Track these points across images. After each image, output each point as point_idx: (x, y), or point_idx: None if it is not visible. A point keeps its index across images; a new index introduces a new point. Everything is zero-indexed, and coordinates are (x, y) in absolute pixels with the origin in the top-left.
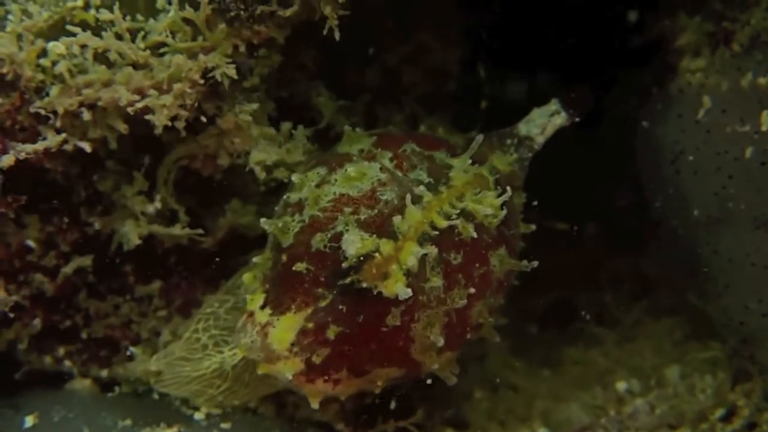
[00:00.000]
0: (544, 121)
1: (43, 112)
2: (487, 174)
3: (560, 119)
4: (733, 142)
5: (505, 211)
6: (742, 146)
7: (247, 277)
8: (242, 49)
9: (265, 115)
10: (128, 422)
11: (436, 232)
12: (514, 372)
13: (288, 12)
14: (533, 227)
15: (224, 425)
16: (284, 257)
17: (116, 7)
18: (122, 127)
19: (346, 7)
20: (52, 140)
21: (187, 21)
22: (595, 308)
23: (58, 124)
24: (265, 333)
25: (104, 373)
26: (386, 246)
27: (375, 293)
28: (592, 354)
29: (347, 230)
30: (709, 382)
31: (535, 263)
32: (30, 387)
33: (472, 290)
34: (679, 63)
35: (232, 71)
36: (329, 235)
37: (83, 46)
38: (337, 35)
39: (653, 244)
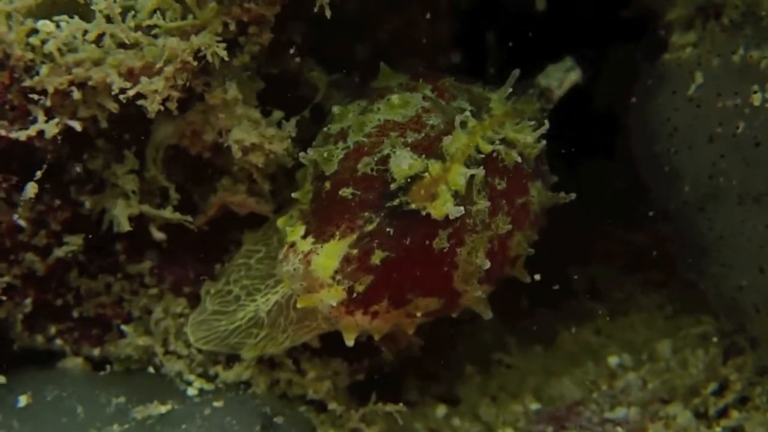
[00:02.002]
0: (560, 75)
1: (33, 92)
2: (522, 109)
3: (575, 75)
4: (725, 117)
5: (543, 143)
6: (734, 121)
7: (281, 221)
8: (232, 27)
9: (254, 94)
10: (122, 399)
11: (482, 156)
12: (506, 348)
13: None
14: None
15: (216, 403)
16: (328, 185)
17: None
18: (112, 106)
19: None
20: (46, 126)
21: None
22: (587, 283)
23: (48, 103)
24: (308, 261)
25: (96, 351)
26: (435, 166)
27: (423, 215)
28: (584, 329)
29: (395, 152)
30: (701, 356)
31: (573, 195)
32: (22, 366)
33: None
34: (669, 38)
35: (222, 51)
36: (376, 159)
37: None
38: (327, 13)
39: (645, 220)
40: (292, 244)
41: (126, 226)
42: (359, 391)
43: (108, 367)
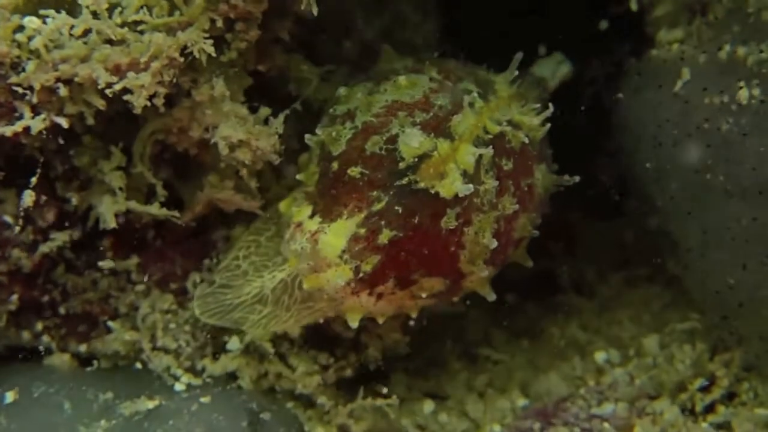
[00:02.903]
0: (553, 67)
1: (20, 88)
2: (525, 92)
3: (566, 68)
4: (711, 113)
5: (548, 126)
6: (720, 117)
7: (283, 204)
8: (219, 23)
9: (241, 91)
10: (109, 395)
11: (490, 136)
12: (493, 343)
13: None
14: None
15: (204, 399)
16: (335, 165)
17: None
18: (99, 103)
19: None
20: (32, 122)
21: None
22: (573, 278)
23: (35, 99)
24: (315, 240)
25: (83, 347)
26: (443, 146)
27: (432, 193)
28: (571, 324)
29: (404, 131)
30: (688, 352)
31: (577, 178)
32: (8, 362)
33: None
34: (656, 34)
35: (209, 48)
36: (384, 138)
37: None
38: (314, 10)
39: (632, 215)
40: (299, 224)
41: (112, 223)
42: (346, 387)
43: (95, 363)
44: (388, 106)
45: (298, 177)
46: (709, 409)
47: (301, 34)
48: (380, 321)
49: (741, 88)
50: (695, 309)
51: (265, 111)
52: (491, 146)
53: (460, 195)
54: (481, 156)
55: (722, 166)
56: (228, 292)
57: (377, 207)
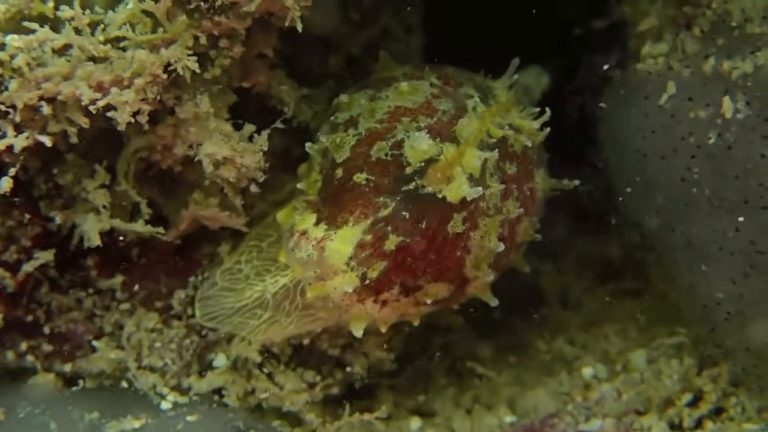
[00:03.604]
0: (536, 77)
1: (2, 107)
2: (521, 98)
3: (546, 79)
4: (696, 126)
5: (548, 130)
6: (705, 131)
7: (281, 215)
8: (203, 40)
9: (226, 108)
10: (95, 415)
11: (493, 140)
12: (479, 359)
13: (252, 6)
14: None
15: (190, 417)
16: (340, 172)
17: (76, 2)
18: (83, 121)
19: None
20: (16, 141)
21: (146, 13)
22: (560, 293)
23: (18, 118)
24: (322, 247)
25: (68, 367)
26: (449, 150)
27: (439, 198)
28: (558, 339)
29: (408, 136)
30: (675, 367)
31: (577, 182)
32: None
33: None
34: (641, 48)
35: (193, 64)
36: (390, 143)
37: (42, 42)
38: (299, 27)
39: (617, 229)
40: (304, 232)
41: (96, 240)
42: (333, 404)
43: (80, 382)
44: (391, 112)
45: (298, 186)
46: (697, 424)
47: (285, 49)
48: (383, 330)
49: (726, 102)
50: (682, 323)
51: (249, 128)
52: (496, 150)
53: (469, 198)
54: (486, 160)
55: (708, 180)
56: (229, 295)
57: (384, 213)
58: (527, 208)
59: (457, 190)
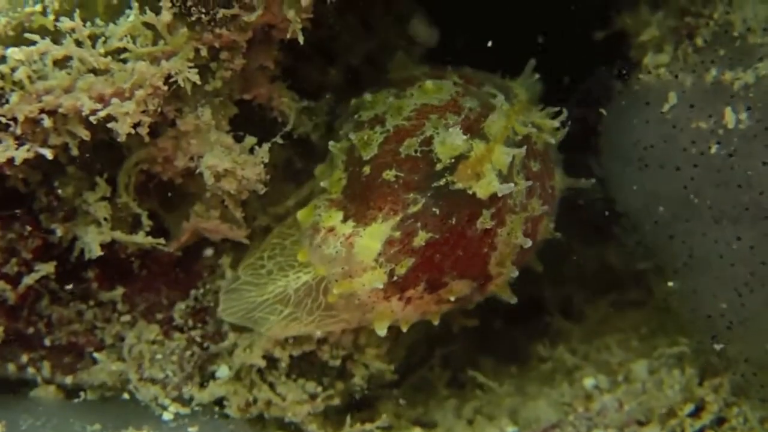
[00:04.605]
0: (534, 84)
1: (3, 119)
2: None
3: (539, 86)
4: (698, 137)
5: (567, 129)
6: (707, 141)
7: (301, 213)
8: (204, 52)
9: (227, 120)
10: (97, 427)
11: (519, 137)
12: (481, 369)
13: (253, 17)
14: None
15: (191, 429)
16: (367, 169)
17: (76, 15)
18: (84, 134)
19: (308, 11)
20: (17, 153)
21: (147, 25)
22: (561, 303)
23: (19, 131)
24: (351, 243)
25: (69, 379)
26: (479, 146)
27: (470, 194)
28: (559, 349)
29: (437, 133)
30: (677, 377)
31: (593, 180)
32: None
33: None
34: (642, 58)
35: (194, 76)
36: (419, 140)
37: (43, 54)
38: (300, 39)
39: (619, 239)
40: (332, 228)
41: (98, 251)
42: (334, 415)
43: (82, 394)
44: (418, 109)
45: (321, 184)
46: None
47: (285, 61)
48: (404, 329)
49: (728, 112)
50: (684, 333)
51: (250, 140)
52: (524, 147)
53: (500, 194)
54: (514, 157)
55: (709, 190)
56: (252, 289)
57: (414, 209)
58: (549, 205)
59: (487, 186)
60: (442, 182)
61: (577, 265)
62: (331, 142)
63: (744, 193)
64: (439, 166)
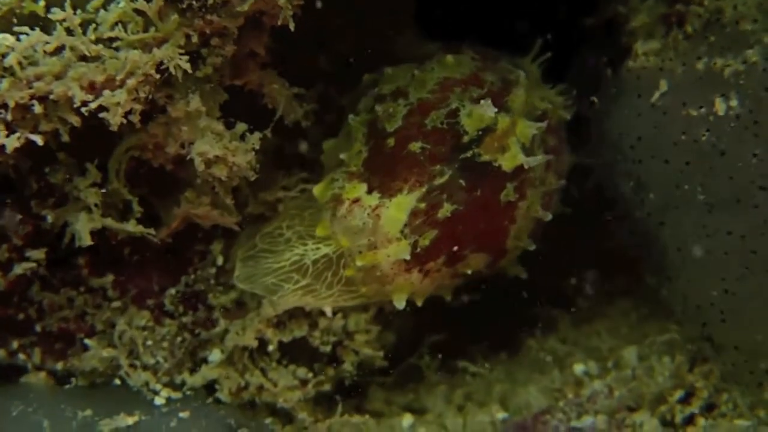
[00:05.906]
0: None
1: None
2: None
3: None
4: (689, 125)
5: (575, 108)
6: (698, 129)
7: (318, 188)
8: (195, 39)
9: (217, 107)
10: (88, 412)
11: (539, 112)
12: (471, 356)
13: (245, 6)
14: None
15: (183, 414)
16: (391, 141)
17: (67, 4)
18: (74, 120)
19: None
20: (7, 141)
21: (138, 12)
22: (551, 290)
23: (9, 117)
24: (378, 215)
25: (59, 365)
26: (503, 120)
27: (495, 166)
28: (549, 336)
29: (463, 105)
30: (667, 363)
31: (594, 159)
32: None
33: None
34: (632, 45)
35: (185, 64)
36: (445, 112)
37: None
38: (291, 26)
39: (610, 227)
40: (357, 199)
41: (88, 240)
42: (324, 401)
43: (73, 380)
44: (441, 82)
45: (341, 156)
46: (689, 420)
47: (276, 47)
48: (419, 303)
49: (719, 100)
50: (674, 321)
51: (241, 127)
52: (546, 121)
53: (527, 166)
54: (536, 130)
55: (700, 178)
56: (269, 256)
57: (440, 181)
58: (562, 179)
59: (513, 159)
60: (468, 154)
61: (568, 252)
62: (350, 116)
63: (734, 182)
64: (465, 138)
